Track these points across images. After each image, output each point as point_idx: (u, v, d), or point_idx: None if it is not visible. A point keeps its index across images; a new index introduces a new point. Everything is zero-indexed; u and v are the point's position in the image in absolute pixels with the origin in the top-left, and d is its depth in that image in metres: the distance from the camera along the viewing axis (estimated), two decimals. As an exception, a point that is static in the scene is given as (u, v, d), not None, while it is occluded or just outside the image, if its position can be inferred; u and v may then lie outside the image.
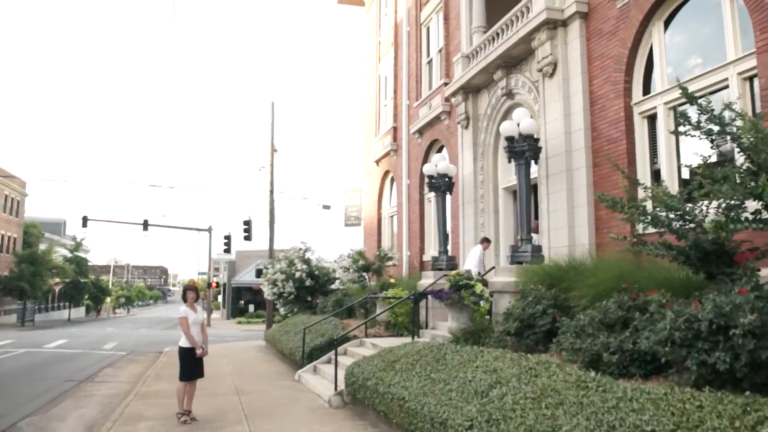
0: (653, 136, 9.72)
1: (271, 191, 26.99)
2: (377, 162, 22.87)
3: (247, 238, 31.47)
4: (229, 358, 17.80)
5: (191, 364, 9.36)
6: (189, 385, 9.41)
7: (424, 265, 18.41)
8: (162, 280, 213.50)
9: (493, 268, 11.81)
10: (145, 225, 43.62)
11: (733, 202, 5.77)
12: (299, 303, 22.42)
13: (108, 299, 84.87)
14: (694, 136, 6.23)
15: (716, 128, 6.00)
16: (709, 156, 6.41)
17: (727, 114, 6.06)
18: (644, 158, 9.77)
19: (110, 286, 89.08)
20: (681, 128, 6.25)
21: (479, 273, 11.85)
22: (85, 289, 66.30)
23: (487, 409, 5.95)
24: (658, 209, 6.63)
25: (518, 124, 10.90)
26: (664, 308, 5.78)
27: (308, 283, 21.69)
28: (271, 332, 20.59)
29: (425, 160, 18.64)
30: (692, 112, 6.42)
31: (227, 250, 38.12)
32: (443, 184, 14.45)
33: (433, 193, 17.63)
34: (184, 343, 9.40)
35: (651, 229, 6.90)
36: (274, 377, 13.90)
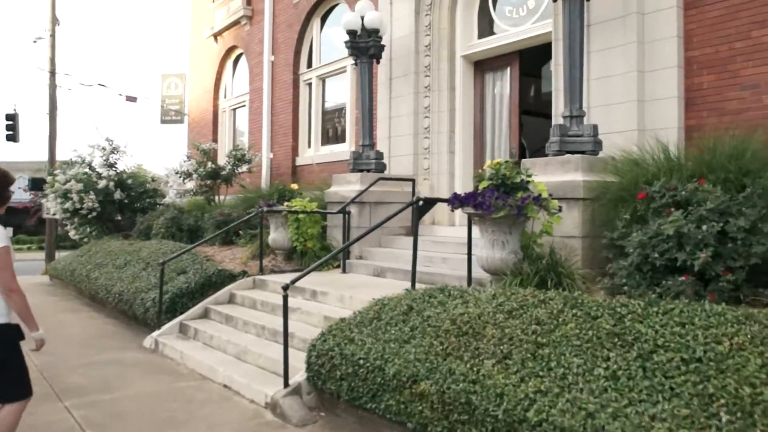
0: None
1: (52, 72, 18.40)
2: (216, 36, 16.09)
3: (11, 138, 21.93)
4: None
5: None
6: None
7: (298, 170, 12.92)
8: None
9: (518, 161, 6.97)
10: None
11: None
12: (101, 223, 15.26)
13: None
14: None
15: None
16: None
17: None
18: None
19: None
20: None
21: None
22: None
23: None
24: None
25: None
26: None
27: (118, 195, 14.63)
28: (63, 265, 13.31)
29: (304, 28, 12.80)
30: None
31: (-20, 156, 27.50)
32: (373, 45, 9.06)
33: (345, 64, 11.84)
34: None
35: None
36: (111, 347, 7.41)
